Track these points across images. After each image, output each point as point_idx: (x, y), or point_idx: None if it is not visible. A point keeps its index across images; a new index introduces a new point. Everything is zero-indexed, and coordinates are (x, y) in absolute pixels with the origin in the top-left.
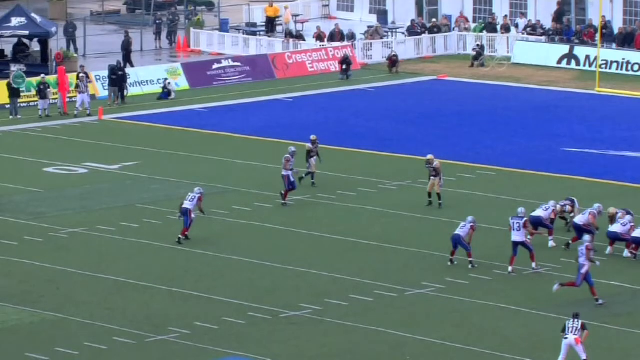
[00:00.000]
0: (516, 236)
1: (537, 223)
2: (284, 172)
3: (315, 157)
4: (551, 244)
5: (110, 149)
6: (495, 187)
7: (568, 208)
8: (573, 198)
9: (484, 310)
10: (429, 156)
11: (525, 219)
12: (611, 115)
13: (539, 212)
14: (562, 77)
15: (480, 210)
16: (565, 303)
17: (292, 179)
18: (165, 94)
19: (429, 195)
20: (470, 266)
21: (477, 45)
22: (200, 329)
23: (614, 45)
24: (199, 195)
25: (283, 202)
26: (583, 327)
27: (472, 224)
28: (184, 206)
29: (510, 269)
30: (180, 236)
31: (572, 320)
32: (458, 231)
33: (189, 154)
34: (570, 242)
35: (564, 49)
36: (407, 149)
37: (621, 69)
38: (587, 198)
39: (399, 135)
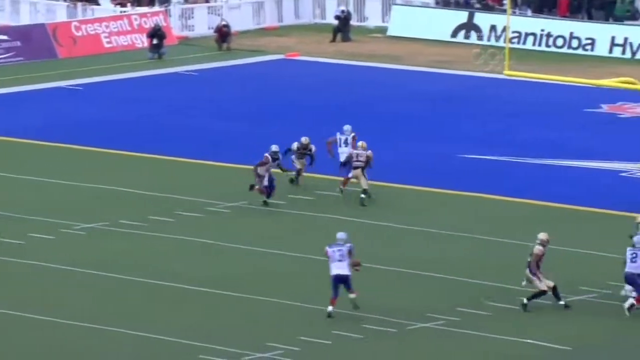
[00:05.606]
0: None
1: None
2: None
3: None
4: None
5: None
6: (367, 210)
7: None
8: None
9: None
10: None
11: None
12: (526, 108)
13: None
14: (459, 55)
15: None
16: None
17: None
18: None
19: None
20: None
21: (342, 11)
22: None
23: (529, 12)
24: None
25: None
26: None
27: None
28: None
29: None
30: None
31: None
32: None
33: None
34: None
35: (461, 16)
36: (241, 157)
37: (539, 44)
38: (505, 222)
39: (230, 138)
